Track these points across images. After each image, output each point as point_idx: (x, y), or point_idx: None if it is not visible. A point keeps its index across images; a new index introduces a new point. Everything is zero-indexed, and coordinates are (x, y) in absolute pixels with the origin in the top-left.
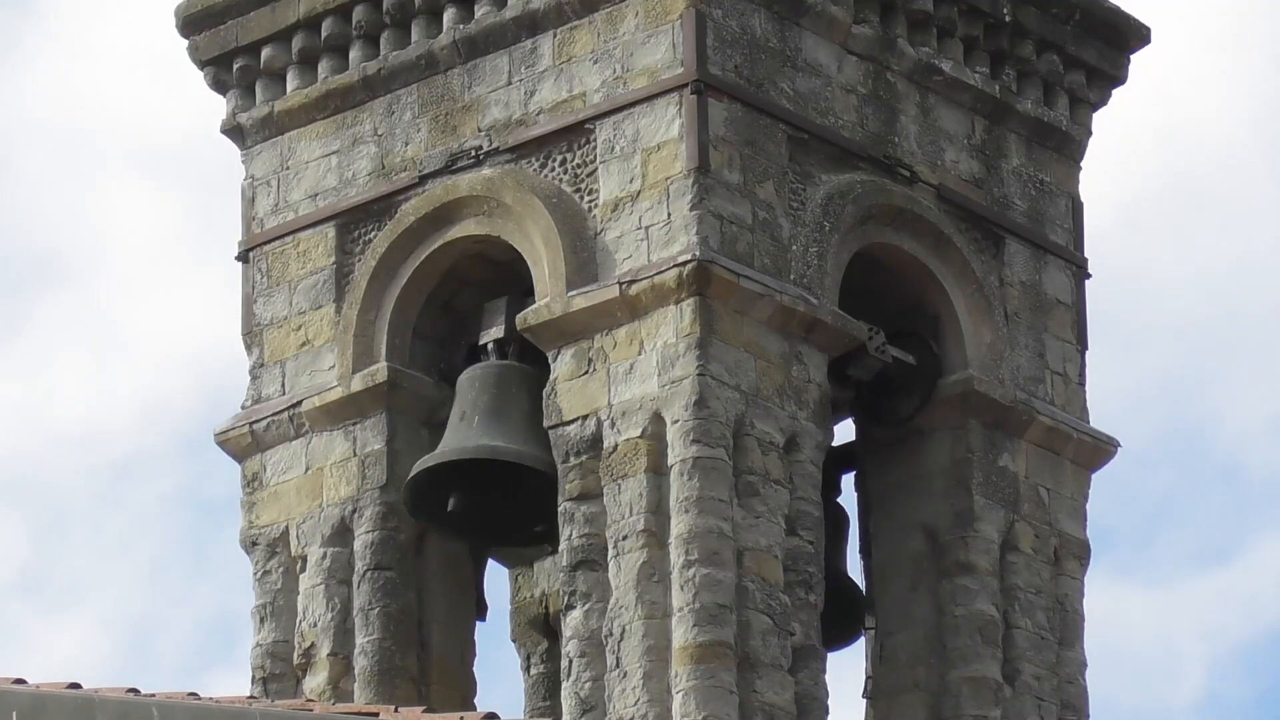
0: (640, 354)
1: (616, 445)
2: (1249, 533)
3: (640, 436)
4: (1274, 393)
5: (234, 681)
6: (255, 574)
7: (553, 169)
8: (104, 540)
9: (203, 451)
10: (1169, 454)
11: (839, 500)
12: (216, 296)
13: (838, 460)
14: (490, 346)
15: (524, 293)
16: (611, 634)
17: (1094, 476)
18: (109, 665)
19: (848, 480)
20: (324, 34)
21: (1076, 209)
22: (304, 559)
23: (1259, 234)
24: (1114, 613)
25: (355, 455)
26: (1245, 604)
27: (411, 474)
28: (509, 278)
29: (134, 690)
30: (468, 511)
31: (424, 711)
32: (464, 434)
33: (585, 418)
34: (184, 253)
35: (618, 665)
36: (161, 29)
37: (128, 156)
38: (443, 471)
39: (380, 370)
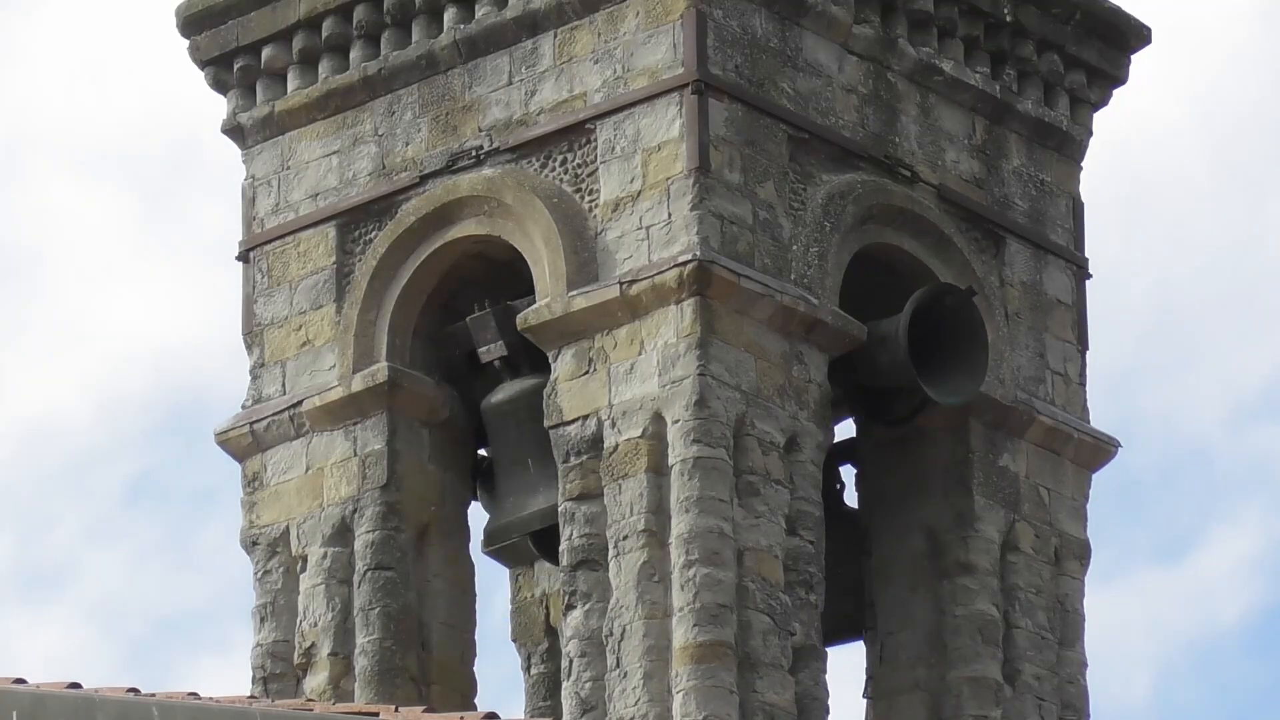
0: (641, 354)
1: (617, 445)
2: (1201, 530)
3: (641, 436)
4: (1228, 388)
5: (212, 670)
6: (255, 574)
7: (553, 169)
8: (67, 534)
9: (163, 445)
10: (1121, 449)
11: (848, 504)
12: (175, 292)
13: (839, 454)
14: (497, 364)
15: (511, 298)
16: (612, 634)
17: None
18: (88, 658)
19: (848, 480)
20: (324, 34)
21: (1077, 209)
22: (304, 559)
23: (1220, 230)
24: None
25: (356, 455)
26: (1197, 602)
27: (492, 531)
28: (509, 278)
29: (134, 690)
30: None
31: (424, 711)
32: (530, 486)
33: (585, 418)
34: (137, 248)
35: (618, 665)
36: (120, 26)
37: (79, 153)
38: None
39: (381, 370)
